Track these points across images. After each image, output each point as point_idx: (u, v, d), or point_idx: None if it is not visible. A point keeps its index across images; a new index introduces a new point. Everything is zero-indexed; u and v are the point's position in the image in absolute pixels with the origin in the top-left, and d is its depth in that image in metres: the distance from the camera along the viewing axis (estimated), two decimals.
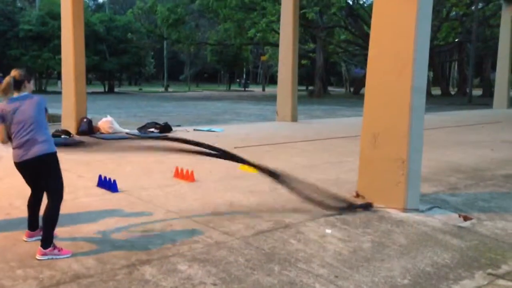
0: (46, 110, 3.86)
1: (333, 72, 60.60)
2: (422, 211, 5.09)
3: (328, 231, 4.42)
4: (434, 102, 28.61)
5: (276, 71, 16.78)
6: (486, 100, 31.22)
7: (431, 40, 5.92)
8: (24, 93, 3.80)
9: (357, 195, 5.57)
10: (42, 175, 3.77)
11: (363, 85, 6.76)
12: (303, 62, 42.81)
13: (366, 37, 31.96)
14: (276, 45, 31.35)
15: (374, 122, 5.45)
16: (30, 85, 3.88)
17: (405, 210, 5.06)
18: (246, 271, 3.48)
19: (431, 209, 5.19)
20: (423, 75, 5.18)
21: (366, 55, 5.74)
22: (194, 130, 12.61)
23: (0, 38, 41.37)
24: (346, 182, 6.27)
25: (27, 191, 3.98)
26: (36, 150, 3.66)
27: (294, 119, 15.01)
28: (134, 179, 6.38)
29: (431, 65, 38.17)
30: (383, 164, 5.29)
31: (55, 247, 3.64)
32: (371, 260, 3.76)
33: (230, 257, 3.74)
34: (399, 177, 5.12)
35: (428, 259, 3.84)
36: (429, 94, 31.78)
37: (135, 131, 11.73)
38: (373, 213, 5.01)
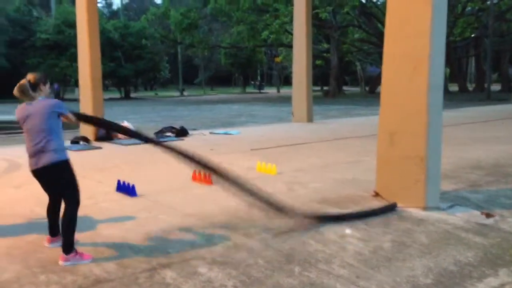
0: (61, 113, 3.75)
1: (348, 72, 60.22)
2: (443, 209, 5.02)
3: (348, 231, 4.39)
4: (451, 98, 28.27)
5: (291, 72, 16.77)
6: (505, 95, 30.77)
7: (447, 36, 5.85)
8: (39, 97, 3.73)
9: (376, 194, 5.52)
10: (55, 183, 3.79)
11: (379, 83, 6.71)
12: (318, 62, 42.66)
13: (380, 35, 31.74)
14: (289, 46, 31.37)
15: (391, 120, 5.40)
16: (46, 88, 3.81)
17: (425, 208, 5.00)
18: (266, 272, 3.48)
19: (452, 207, 5.12)
20: (439, 72, 5.12)
21: (380, 53, 5.70)
22: (210, 133, 12.65)
23: (17, 48, 42.07)
24: (364, 181, 6.22)
25: (46, 197, 4.03)
26: (46, 160, 3.64)
27: (309, 119, 14.97)
28: (152, 183, 6.41)
29: (448, 61, 37.68)
30: (401, 162, 5.23)
31: (76, 253, 3.67)
32: (392, 260, 3.72)
33: (250, 259, 3.73)
34: (418, 176, 5.06)
35: (451, 257, 3.78)
36: (446, 90, 31.44)
37: (152, 136, 11.81)
38: (392, 212, 4.96)
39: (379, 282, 3.33)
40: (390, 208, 5.05)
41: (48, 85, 3.84)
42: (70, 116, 3.86)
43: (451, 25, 34.43)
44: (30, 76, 3.74)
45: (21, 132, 3.83)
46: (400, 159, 5.23)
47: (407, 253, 3.88)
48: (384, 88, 5.51)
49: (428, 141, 5.01)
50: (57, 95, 41.78)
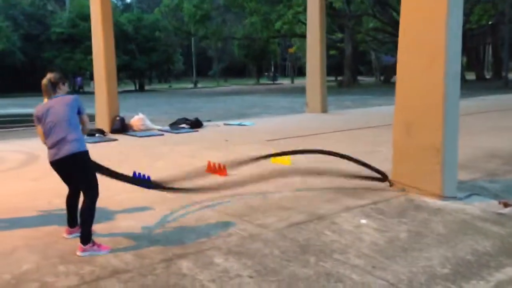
0: (80, 111, 3.92)
1: (362, 61, 59.66)
2: (460, 199, 4.97)
3: (363, 221, 4.38)
4: (468, 87, 27.86)
5: (305, 63, 16.67)
6: None
7: (463, 24, 5.74)
8: (59, 95, 3.91)
9: (392, 185, 5.49)
10: (74, 173, 3.86)
11: (394, 73, 6.64)
12: (332, 52, 42.31)
13: (395, 24, 31.32)
14: (303, 36, 31.12)
15: (407, 110, 5.35)
16: (65, 87, 3.99)
17: (442, 198, 4.95)
18: (281, 263, 3.48)
19: (470, 197, 5.06)
20: (456, 61, 5.04)
21: (396, 43, 5.62)
22: (225, 124, 12.67)
23: (33, 42, 42.51)
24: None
25: (64, 189, 4.08)
26: (67, 149, 3.73)
27: (324, 110, 14.90)
28: (167, 174, 6.44)
29: (464, 50, 37.00)
30: (417, 153, 5.19)
31: (94, 243, 3.72)
32: (409, 250, 3.70)
33: (265, 249, 3.74)
34: (434, 165, 5.01)
35: (468, 247, 3.75)
36: (463, 79, 30.98)
37: (167, 128, 11.88)
38: (409, 202, 4.93)
39: (395, 272, 3.32)
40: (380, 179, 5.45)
41: (66, 85, 4.02)
42: (85, 118, 4.00)
43: (468, 12, 33.82)
44: (50, 75, 3.91)
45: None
46: (417, 149, 5.19)
47: (424, 243, 3.85)
48: (400, 78, 5.45)
49: (445, 130, 4.95)
50: (79, 88, 42.24)
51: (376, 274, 3.28)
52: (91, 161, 3.95)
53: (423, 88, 5.12)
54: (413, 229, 4.17)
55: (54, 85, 3.90)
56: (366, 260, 3.52)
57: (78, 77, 44.30)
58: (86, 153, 3.85)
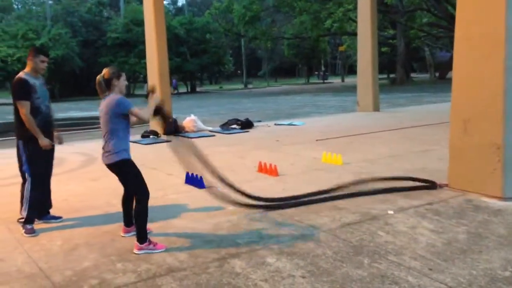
0: (124, 112, 3.80)
1: (416, 58, 57.98)
2: None
3: (391, 211, 4.36)
4: None
5: (355, 61, 16.41)
6: None
7: None
8: (111, 93, 3.88)
9: (447, 185, 5.31)
10: (118, 179, 4.00)
11: (450, 68, 6.42)
12: (383, 49, 41.45)
13: (451, 18, 30.27)
14: (354, 34, 30.66)
15: (464, 107, 5.15)
16: (120, 82, 3.89)
17: (503, 198, 4.74)
18: (334, 263, 3.45)
19: None
20: None
21: (451, 37, 5.44)
22: (275, 124, 12.69)
23: (90, 47, 44.28)
24: (434, 171, 5.99)
25: (121, 189, 4.21)
26: (106, 160, 3.90)
27: (376, 108, 14.62)
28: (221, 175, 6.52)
29: None
30: (475, 151, 4.99)
31: (150, 242, 3.82)
32: (468, 252, 3.57)
33: (318, 249, 3.71)
34: (494, 164, 4.81)
35: None
36: None
37: (218, 129, 12.03)
38: (467, 203, 4.76)
39: (453, 274, 3.21)
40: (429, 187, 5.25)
41: (122, 79, 3.92)
42: (137, 111, 3.85)
43: None
44: (104, 71, 3.91)
45: (96, 128, 4.05)
46: (475, 147, 4.99)
47: (484, 245, 3.70)
48: (456, 73, 5.26)
49: (506, 127, 4.74)
50: (175, 89, 42.95)
51: (433, 277, 3.18)
52: (128, 166, 3.89)
53: (481, 82, 4.92)
54: (472, 230, 4.02)
55: (107, 81, 3.86)
56: (422, 262, 3.42)
57: (174, 79, 45.76)
58: (122, 161, 3.85)
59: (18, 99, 4.40)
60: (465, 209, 4.58)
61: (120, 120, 3.85)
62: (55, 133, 4.77)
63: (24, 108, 4.36)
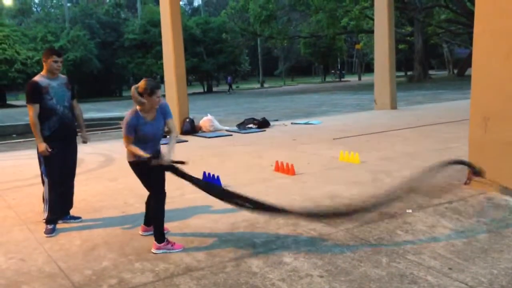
0: (129, 136, 3.73)
1: (434, 55, 57.35)
2: None
3: (409, 210, 4.31)
4: None
5: (372, 59, 16.30)
6: None
7: None
8: (145, 108, 3.75)
9: (468, 182, 5.23)
10: (137, 177, 4.00)
11: (469, 65, 6.32)
12: (401, 47, 41.12)
13: (470, 14, 29.81)
14: (371, 32, 30.47)
15: (484, 104, 5.07)
16: (151, 99, 3.68)
17: None
18: (352, 263, 3.42)
19: None
20: None
21: (470, 33, 5.35)
22: (292, 123, 12.66)
23: (108, 49, 44.79)
24: (454, 169, 5.89)
25: (139, 189, 4.24)
26: (127, 157, 3.92)
27: (393, 106, 14.50)
28: (236, 174, 6.54)
29: None
30: (496, 148, 4.91)
31: (168, 242, 3.84)
32: (489, 251, 3.51)
33: (335, 249, 3.69)
34: None
35: None
36: None
37: (235, 128, 12.05)
38: (488, 201, 4.68)
39: (474, 274, 3.16)
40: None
41: (156, 96, 3.69)
42: (132, 148, 3.76)
43: None
44: (140, 83, 3.74)
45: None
46: (496, 144, 4.90)
47: (505, 243, 3.64)
48: (476, 70, 5.18)
49: None
50: (230, 86, 43.89)
51: (453, 276, 3.14)
52: (142, 168, 3.86)
53: (502, 78, 4.83)
54: (493, 229, 3.95)
55: (140, 95, 3.69)
56: (442, 261, 3.38)
57: (229, 76, 46.36)
58: (131, 163, 3.89)
59: (27, 102, 4.47)
60: (486, 207, 4.51)
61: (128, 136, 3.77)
62: (80, 133, 4.86)
63: (31, 111, 4.42)
